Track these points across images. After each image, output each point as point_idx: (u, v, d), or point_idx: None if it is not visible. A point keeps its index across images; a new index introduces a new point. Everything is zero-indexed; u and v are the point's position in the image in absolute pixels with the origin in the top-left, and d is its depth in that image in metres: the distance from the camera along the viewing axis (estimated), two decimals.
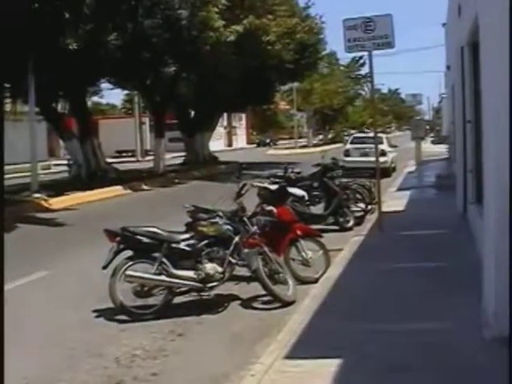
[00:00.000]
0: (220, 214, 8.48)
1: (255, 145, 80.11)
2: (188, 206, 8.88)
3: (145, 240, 7.93)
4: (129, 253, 7.98)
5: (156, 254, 7.92)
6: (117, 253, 7.92)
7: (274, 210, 9.15)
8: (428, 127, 59.84)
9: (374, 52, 12.83)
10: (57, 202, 20.19)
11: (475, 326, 6.19)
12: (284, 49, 33.02)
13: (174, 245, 8.01)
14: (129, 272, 7.76)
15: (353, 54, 63.13)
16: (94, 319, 7.84)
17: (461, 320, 6.53)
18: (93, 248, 10.65)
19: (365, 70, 78.90)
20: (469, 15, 10.26)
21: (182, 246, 8.05)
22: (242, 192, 8.87)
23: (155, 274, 7.83)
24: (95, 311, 8.02)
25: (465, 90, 12.81)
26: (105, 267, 7.83)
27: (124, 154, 53.02)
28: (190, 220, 8.62)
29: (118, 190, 24.37)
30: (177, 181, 29.02)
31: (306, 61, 37.48)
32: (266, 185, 10.84)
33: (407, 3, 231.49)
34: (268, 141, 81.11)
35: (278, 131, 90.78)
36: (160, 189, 26.17)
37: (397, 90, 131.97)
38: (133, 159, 48.92)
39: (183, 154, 40.57)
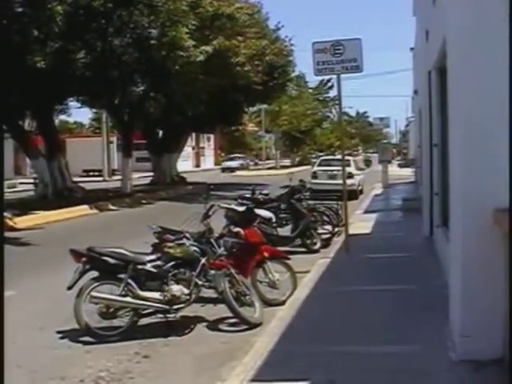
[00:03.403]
0: (187, 235, 8.44)
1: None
2: (155, 227, 8.83)
3: (111, 261, 7.86)
4: (94, 273, 7.90)
5: (122, 275, 7.85)
6: (82, 273, 7.82)
7: (242, 232, 9.13)
8: (395, 150, 60.55)
9: (343, 75, 12.96)
10: (22, 221, 19.94)
11: (442, 348, 6.22)
12: (253, 70, 33.17)
13: (140, 266, 7.95)
14: (94, 293, 7.68)
15: (321, 77, 63.90)
16: (59, 340, 7.72)
17: (427, 342, 6.55)
18: (58, 268, 10.52)
19: (333, 93, 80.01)
20: (436, 40, 10.43)
21: (148, 267, 7.99)
22: (210, 213, 8.84)
23: (121, 295, 7.76)
24: (60, 332, 7.91)
25: (432, 114, 12.99)
26: (70, 288, 7.73)
27: (91, 174, 52.69)
28: (156, 241, 8.57)
29: (84, 209, 24.16)
30: (144, 201, 28.90)
31: (275, 82, 37.77)
32: (233, 206, 10.82)
33: (376, 28, 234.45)
34: (248, 162, 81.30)
35: (245, 152, 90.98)
36: (127, 209, 26.03)
37: (364, 113, 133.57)
38: (100, 179, 48.60)
39: (151, 173, 40.45)
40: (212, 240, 8.60)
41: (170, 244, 8.24)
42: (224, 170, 66.53)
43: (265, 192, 15.63)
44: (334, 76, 13.16)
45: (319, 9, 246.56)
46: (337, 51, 12.48)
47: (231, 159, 74.47)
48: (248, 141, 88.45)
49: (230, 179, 46.91)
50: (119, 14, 24.39)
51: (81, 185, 30.48)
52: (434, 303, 7.97)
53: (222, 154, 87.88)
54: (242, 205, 12.46)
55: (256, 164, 77.34)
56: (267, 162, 77.35)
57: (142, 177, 41.18)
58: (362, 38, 12.57)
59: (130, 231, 16.14)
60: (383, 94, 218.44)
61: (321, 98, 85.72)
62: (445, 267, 9.04)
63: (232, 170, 65.48)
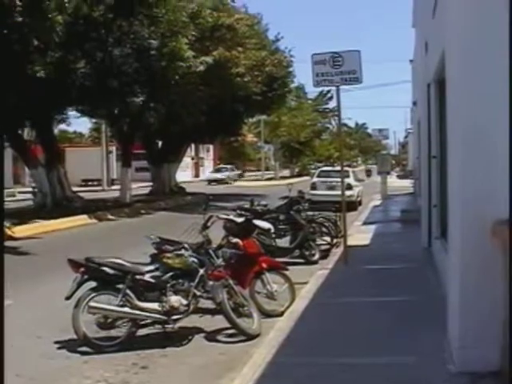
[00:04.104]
0: (186, 245, 8.43)
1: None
2: (153, 238, 8.82)
3: (109, 271, 7.85)
4: (93, 284, 7.90)
5: (120, 286, 7.85)
6: (80, 283, 7.82)
7: (240, 243, 9.12)
8: (394, 162, 60.65)
9: (342, 86, 13.00)
10: (21, 231, 19.90)
11: (440, 360, 6.21)
12: (252, 81, 33.26)
13: (138, 276, 7.94)
14: (92, 303, 7.67)
15: (320, 88, 63.96)
16: (57, 350, 7.71)
17: (426, 353, 6.54)
18: (56, 278, 10.51)
19: (332, 104, 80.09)
20: (435, 52, 10.48)
21: (147, 277, 7.99)
22: (208, 224, 8.83)
23: (119, 305, 7.75)
24: (57, 342, 7.89)
25: (430, 126, 13.04)
26: (68, 298, 7.73)
27: (90, 183, 52.68)
28: (155, 251, 8.56)
29: (83, 219, 24.14)
30: (143, 211, 28.90)
31: (275, 93, 37.85)
32: (232, 217, 10.80)
33: (376, 39, 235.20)
34: (239, 172, 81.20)
35: (244, 163, 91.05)
36: (126, 219, 26.00)
37: (364, 124, 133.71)
38: (99, 188, 48.60)
39: (150, 184, 40.44)
40: (210, 251, 8.59)
41: (169, 254, 8.24)
42: (210, 182, 62.32)
43: (263, 203, 15.64)
44: (334, 87, 13.22)
45: (318, 20, 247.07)
46: (336, 63, 12.52)
47: (218, 170, 69.55)
48: (247, 151, 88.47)
49: (229, 190, 46.91)
50: (119, 24, 24.43)
51: (80, 194, 30.47)
52: (432, 315, 7.97)
53: (221, 165, 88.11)
54: (240, 215, 12.49)
55: (241, 176, 75.90)
56: (267, 172, 77.29)
57: (141, 187, 41.19)
58: (361, 49, 12.64)
59: (128, 241, 16.14)
60: (382, 105, 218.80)
61: (320, 109, 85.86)
62: (443, 278, 9.04)
63: (219, 181, 61.65)
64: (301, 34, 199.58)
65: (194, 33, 26.78)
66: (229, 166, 71.99)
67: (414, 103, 26.12)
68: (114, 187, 45.59)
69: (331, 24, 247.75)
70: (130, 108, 28.13)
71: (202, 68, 27.25)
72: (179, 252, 8.29)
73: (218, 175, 65.48)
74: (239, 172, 76.07)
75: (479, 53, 5.68)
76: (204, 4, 29.80)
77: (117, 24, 24.40)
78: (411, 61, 29.61)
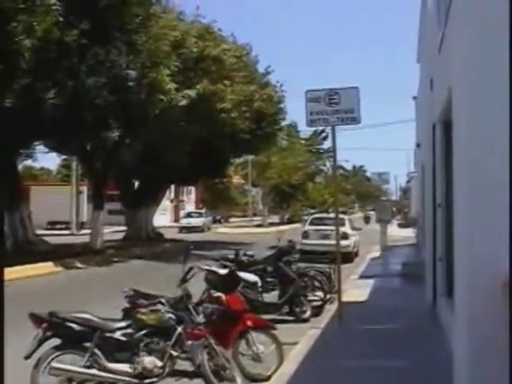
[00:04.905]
0: (162, 300, 8.36)
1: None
2: (127, 290, 8.74)
3: (75, 327, 7.75)
4: (56, 341, 7.78)
5: (87, 344, 7.74)
6: (42, 341, 7.70)
7: (223, 298, 9.06)
8: (395, 209, 60.85)
9: (338, 126, 13.06)
10: None
11: None
12: (240, 118, 33.45)
13: (108, 334, 7.84)
14: (55, 364, 7.55)
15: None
16: None
17: None
18: (15, 334, 10.34)
19: (327, 144, 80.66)
20: (441, 90, 10.57)
21: (118, 335, 7.89)
22: (188, 276, 8.77)
23: (85, 366, 7.63)
24: None
25: (435, 171, 13.10)
26: (28, 357, 7.61)
27: (57, 226, 52.49)
28: (128, 306, 8.47)
29: (48, 266, 23.97)
30: (115, 259, 28.76)
31: (264, 132, 38.10)
32: (214, 268, 10.75)
33: (376, 75, 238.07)
34: (219, 218, 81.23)
35: (230, 207, 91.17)
36: (96, 267, 25.84)
37: (362, 167, 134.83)
38: (67, 232, 48.44)
39: (124, 228, 40.34)
40: (190, 306, 8.52)
41: (143, 310, 8.16)
42: (181, 229, 59.19)
43: (250, 253, 15.57)
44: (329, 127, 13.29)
45: (313, 53, 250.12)
46: (332, 101, 12.57)
47: (189, 215, 66.67)
48: (233, 195, 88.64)
49: (212, 237, 46.82)
50: (95, 51, 24.51)
51: (45, 238, 30.31)
52: (436, 383, 7.90)
53: (204, 209, 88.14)
54: (224, 267, 12.41)
55: (222, 221, 75.19)
56: (254, 218, 77.37)
57: (114, 231, 41.12)
58: (359, 85, 12.75)
59: (98, 293, 16.02)
60: (382, 146, 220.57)
61: (314, 150, 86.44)
62: (449, 341, 8.98)
63: (192, 229, 58.38)
64: (294, 67, 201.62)
65: (176, 63, 27.02)
66: (202, 211, 70.90)
67: (418, 145, 26.36)
68: (83, 231, 45.45)
69: (326, 58, 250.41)
70: (104, 144, 28.19)
71: (184, 102, 27.45)
72: (155, 307, 8.20)
73: (193, 221, 63.07)
74: (219, 218, 76.01)
75: (489, 94, 5.72)
76: (188, 32, 30.14)
77: (92, 51, 24.49)
78: (415, 98, 29.93)
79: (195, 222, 62.87)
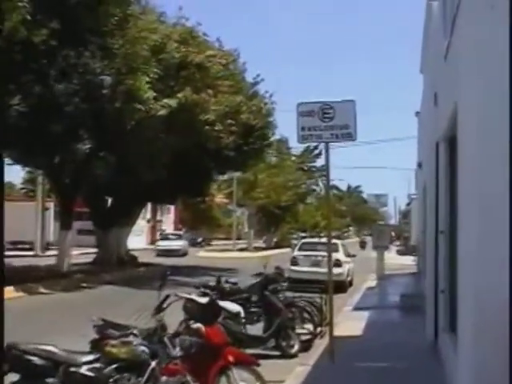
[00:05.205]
0: (135, 331, 8.29)
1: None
2: (95, 319, 8.67)
3: (36, 361, 7.66)
4: (15, 377, 7.70)
5: (50, 380, 7.66)
6: None
7: (202, 329, 9.01)
8: (393, 234, 61.03)
9: (332, 143, 13.05)
10: None
11: None
12: (225, 131, 33.44)
13: (73, 368, 7.75)
14: None
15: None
16: None
17: None
18: None
19: (320, 162, 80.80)
20: (447, 105, 10.60)
21: (84, 370, 7.80)
22: (164, 305, 8.72)
23: None
24: None
25: (438, 193, 13.13)
26: None
27: (20, 246, 52.17)
28: (96, 337, 8.41)
29: (7, 291, 23.76)
30: (84, 284, 28.64)
31: (251, 147, 38.08)
32: (194, 296, 10.71)
33: (375, 89, 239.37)
34: (200, 240, 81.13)
35: (212, 229, 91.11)
36: (62, 293, 25.71)
37: (358, 187, 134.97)
38: (31, 253, 48.18)
39: (94, 250, 40.17)
40: (165, 339, 8.46)
41: (114, 342, 8.08)
42: (159, 253, 58.56)
43: (233, 280, 15.54)
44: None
45: (305, 61, 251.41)
46: (326, 115, 12.49)
47: (167, 238, 66.64)
48: (216, 215, 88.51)
49: (192, 261, 46.72)
50: (65, 54, 24.39)
51: (6, 260, 30.12)
52: None
53: (183, 230, 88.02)
54: (204, 295, 12.35)
55: (203, 244, 74.87)
56: (238, 241, 77.34)
57: (83, 253, 40.96)
58: (356, 99, 12.74)
59: (63, 322, 15.95)
60: (380, 165, 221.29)
61: (306, 168, 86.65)
62: (451, 381, 8.96)
63: (170, 253, 57.35)
64: (285, 77, 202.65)
65: (156, 70, 27.02)
66: (181, 232, 70.67)
67: (419, 165, 26.45)
68: (49, 252, 45.26)
69: (320, 70, 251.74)
70: (74, 157, 28.07)
71: (163, 112, 27.43)
72: (126, 339, 8.14)
73: (173, 244, 62.58)
74: (200, 240, 75.78)
75: (498, 110, 5.70)
76: (170, 36, 30.17)
77: (62, 54, 24.39)
78: (417, 113, 29.97)
79: (173, 244, 62.58)
